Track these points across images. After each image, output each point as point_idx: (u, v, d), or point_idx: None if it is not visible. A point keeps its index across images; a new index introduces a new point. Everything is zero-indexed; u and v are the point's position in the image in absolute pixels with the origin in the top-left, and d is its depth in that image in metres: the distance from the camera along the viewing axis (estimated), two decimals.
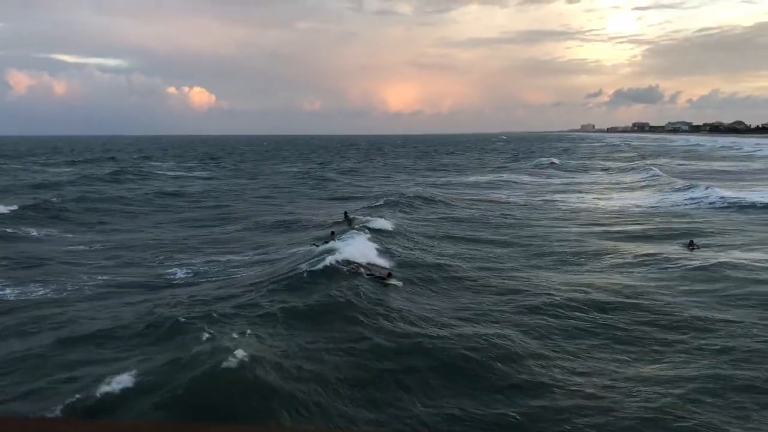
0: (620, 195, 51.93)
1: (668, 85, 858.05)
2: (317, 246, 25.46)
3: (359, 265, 21.92)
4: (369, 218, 33.16)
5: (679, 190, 50.23)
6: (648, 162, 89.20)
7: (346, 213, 35.40)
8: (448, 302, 19.47)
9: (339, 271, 21.28)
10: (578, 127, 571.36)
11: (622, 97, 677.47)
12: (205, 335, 14.46)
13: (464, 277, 22.50)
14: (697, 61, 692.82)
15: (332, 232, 27.73)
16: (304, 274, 20.77)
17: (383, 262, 23.35)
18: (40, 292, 20.90)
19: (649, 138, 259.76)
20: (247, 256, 27.25)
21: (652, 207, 42.87)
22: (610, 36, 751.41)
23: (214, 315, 16.29)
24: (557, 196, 50.69)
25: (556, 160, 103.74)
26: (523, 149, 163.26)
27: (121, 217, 40.67)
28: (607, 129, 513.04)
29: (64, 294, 20.86)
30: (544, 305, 18.63)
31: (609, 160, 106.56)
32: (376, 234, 28.57)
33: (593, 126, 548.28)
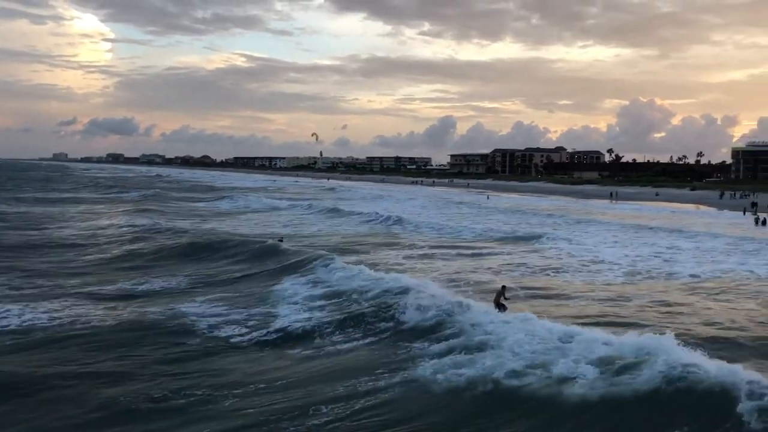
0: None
1: (143, 117, 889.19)
2: None
3: None
4: None
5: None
6: (233, 194, 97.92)
7: None
8: None
9: None
10: (50, 155, 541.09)
11: (97, 126, 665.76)
12: None
13: None
14: (169, 97, 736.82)
15: None
16: None
17: None
18: None
19: (135, 170, 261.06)
20: None
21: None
22: (81, 64, 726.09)
23: None
24: None
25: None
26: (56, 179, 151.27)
27: None
28: (81, 159, 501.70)
29: None
30: None
31: (186, 191, 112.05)
32: None
33: (66, 155, 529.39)
